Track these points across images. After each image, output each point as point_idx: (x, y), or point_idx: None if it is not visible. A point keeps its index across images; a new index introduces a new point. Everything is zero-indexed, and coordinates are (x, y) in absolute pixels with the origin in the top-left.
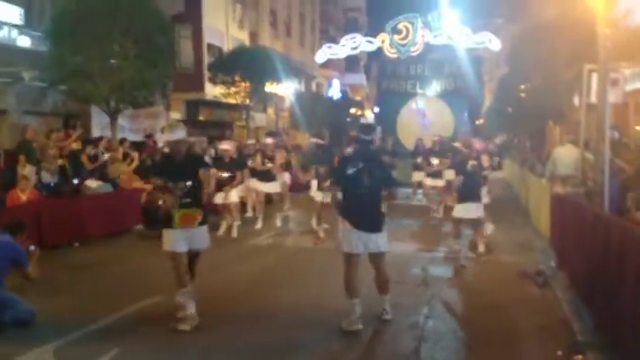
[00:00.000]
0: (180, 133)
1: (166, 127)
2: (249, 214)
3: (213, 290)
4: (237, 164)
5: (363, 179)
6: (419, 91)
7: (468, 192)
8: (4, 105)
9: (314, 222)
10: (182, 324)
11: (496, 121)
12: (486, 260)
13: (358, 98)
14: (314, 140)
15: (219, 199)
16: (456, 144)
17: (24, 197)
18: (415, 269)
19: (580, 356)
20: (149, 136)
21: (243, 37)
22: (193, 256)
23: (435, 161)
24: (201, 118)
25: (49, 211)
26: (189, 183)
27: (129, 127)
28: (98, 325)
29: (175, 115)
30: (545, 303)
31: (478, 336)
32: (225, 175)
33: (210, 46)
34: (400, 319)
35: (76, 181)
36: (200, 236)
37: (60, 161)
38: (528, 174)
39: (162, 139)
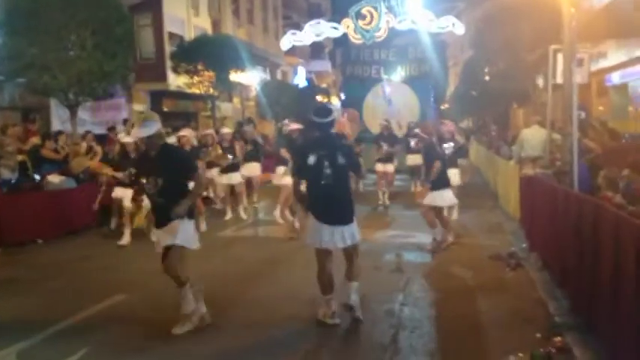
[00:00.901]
0: (153, 127)
1: (138, 119)
2: (219, 205)
3: None
4: (197, 153)
5: (324, 168)
6: (384, 76)
7: (439, 178)
8: None
9: (277, 213)
10: (175, 327)
11: (461, 105)
12: (457, 243)
13: (324, 85)
14: (295, 126)
15: None
16: (416, 130)
17: None
18: (388, 256)
19: (559, 338)
20: (111, 128)
21: (205, 26)
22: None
23: (384, 146)
24: (165, 109)
25: (10, 209)
26: (160, 180)
27: (90, 120)
28: (63, 325)
29: (139, 107)
30: (520, 285)
31: (455, 321)
32: None
33: (171, 35)
34: (376, 307)
35: (37, 177)
36: (169, 231)
37: (20, 157)
38: (495, 157)
39: (133, 135)
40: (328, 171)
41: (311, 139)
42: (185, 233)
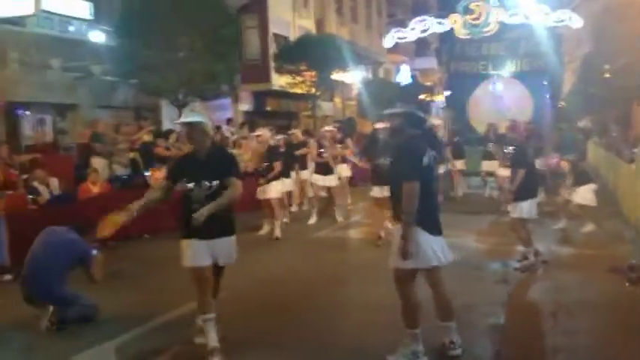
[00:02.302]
0: (197, 116)
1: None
2: (295, 208)
3: (272, 289)
4: (275, 154)
5: (434, 170)
6: (492, 72)
7: (525, 187)
8: (76, 99)
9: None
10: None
11: (578, 103)
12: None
13: (429, 83)
14: (382, 125)
15: (259, 194)
16: (503, 130)
17: (95, 190)
18: (493, 265)
19: None
20: (217, 128)
21: (309, 26)
22: (217, 271)
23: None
24: (268, 108)
25: (120, 203)
26: (215, 183)
27: None
28: (160, 321)
29: (243, 107)
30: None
31: (565, 339)
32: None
33: (276, 36)
34: (478, 321)
35: (147, 174)
36: (224, 248)
37: (131, 154)
38: (616, 159)
39: (179, 121)
40: (435, 173)
41: (421, 138)
42: (234, 250)
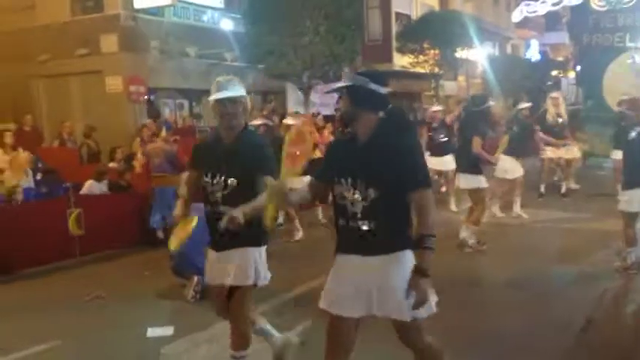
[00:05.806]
0: (232, 91)
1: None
2: None
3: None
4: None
5: None
6: (629, 44)
7: (634, 172)
8: (210, 85)
9: (517, 208)
10: None
11: None
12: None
13: (560, 59)
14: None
15: None
16: (620, 108)
17: None
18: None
19: None
20: (338, 109)
21: (432, 2)
22: (232, 293)
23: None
24: (389, 89)
25: None
26: (232, 181)
27: (320, 102)
28: (294, 294)
29: None
30: None
31: None
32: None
33: (398, 15)
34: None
35: None
36: (235, 263)
37: None
38: None
39: (211, 99)
40: None
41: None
42: (258, 267)
